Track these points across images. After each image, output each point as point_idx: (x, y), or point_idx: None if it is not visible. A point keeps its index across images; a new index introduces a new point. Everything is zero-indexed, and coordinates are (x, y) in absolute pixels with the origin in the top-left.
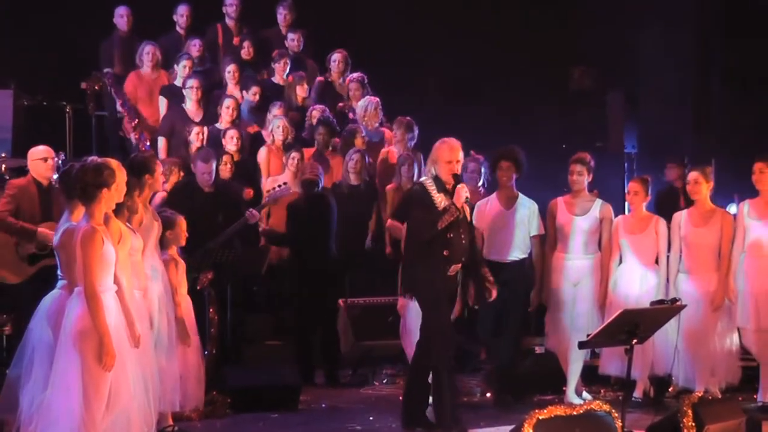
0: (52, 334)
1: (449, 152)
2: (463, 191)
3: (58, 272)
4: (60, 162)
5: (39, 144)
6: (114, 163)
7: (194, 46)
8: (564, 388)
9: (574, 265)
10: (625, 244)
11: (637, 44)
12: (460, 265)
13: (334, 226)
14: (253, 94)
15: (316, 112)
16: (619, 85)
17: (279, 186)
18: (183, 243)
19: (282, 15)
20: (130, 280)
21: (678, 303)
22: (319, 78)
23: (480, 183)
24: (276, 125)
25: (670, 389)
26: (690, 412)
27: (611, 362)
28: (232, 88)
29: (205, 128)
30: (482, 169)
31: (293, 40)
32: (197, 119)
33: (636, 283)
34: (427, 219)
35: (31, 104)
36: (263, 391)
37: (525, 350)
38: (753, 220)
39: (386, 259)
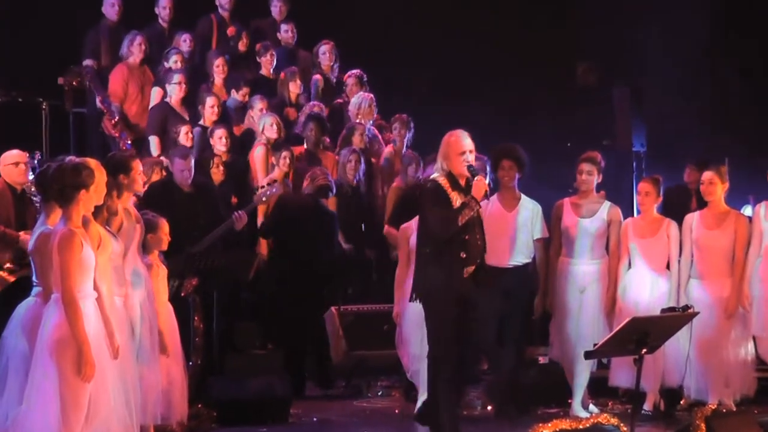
0: (27, 344)
1: (461, 143)
2: (482, 184)
3: (33, 279)
4: (36, 162)
5: (12, 144)
6: (93, 162)
7: (184, 41)
8: (569, 401)
9: (580, 271)
10: (634, 249)
11: (643, 35)
12: (473, 267)
13: (337, 230)
14: (242, 95)
15: (316, 108)
16: (624, 80)
17: (269, 185)
18: (165, 247)
19: (276, 7)
20: (110, 287)
21: (690, 310)
22: (317, 76)
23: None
24: (268, 123)
25: (681, 402)
26: (703, 425)
27: (619, 373)
28: (218, 84)
29: (196, 128)
30: (488, 169)
31: (286, 32)
32: (186, 117)
33: (646, 290)
34: (446, 216)
35: (4, 101)
36: (251, 404)
37: (528, 360)
38: None
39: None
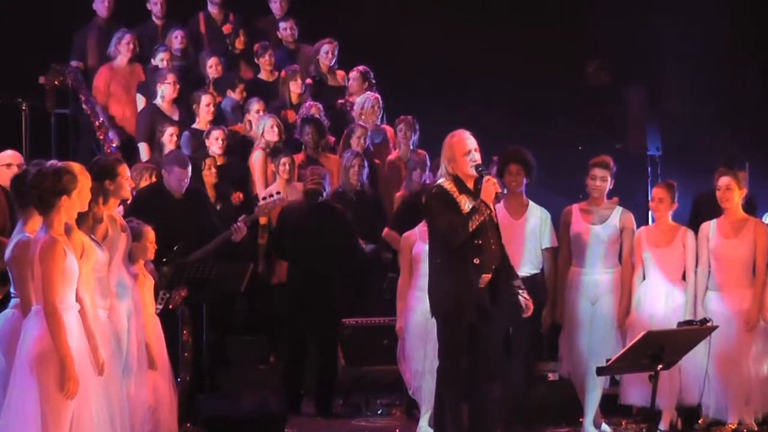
0: (4, 359)
1: (464, 142)
2: (491, 185)
3: (11, 289)
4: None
5: None
6: (76, 167)
7: (176, 38)
8: (580, 420)
9: (592, 281)
10: (648, 258)
11: (658, 30)
12: (489, 276)
13: (350, 236)
14: (238, 92)
15: (313, 109)
16: (639, 79)
17: (271, 196)
18: (151, 256)
19: (276, 3)
20: (93, 299)
21: (708, 324)
22: (308, 80)
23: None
24: (268, 125)
25: (699, 421)
26: None
27: (634, 390)
28: (212, 84)
29: (185, 131)
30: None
31: (286, 29)
32: (174, 118)
33: (661, 302)
34: (455, 223)
35: None
36: (243, 422)
37: (536, 377)
38: None
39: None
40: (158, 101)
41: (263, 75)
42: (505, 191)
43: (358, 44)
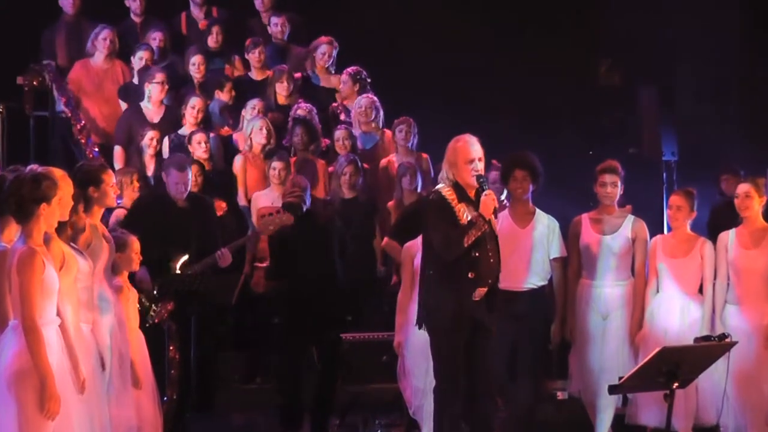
0: None
1: (468, 149)
2: (490, 200)
3: None
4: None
5: None
6: (58, 172)
7: (154, 40)
8: None
9: (603, 294)
10: (663, 269)
11: (674, 29)
12: (486, 289)
13: (336, 248)
14: (227, 92)
15: (301, 110)
16: (652, 80)
17: (270, 214)
18: (135, 268)
19: None
20: (76, 312)
21: (727, 339)
22: (297, 75)
23: (504, 195)
24: (257, 127)
25: None
26: None
27: (648, 410)
28: (197, 84)
29: (167, 134)
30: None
31: (276, 26)
32: (155, 121)
33: (676, 316)
34: (451, 235)
35: None
36: None
37: (545, 396)
38: None
39: (380, 288)
40: (144, 102)
41: (253, 73)
42: (506, 203)
43: (358, 43)
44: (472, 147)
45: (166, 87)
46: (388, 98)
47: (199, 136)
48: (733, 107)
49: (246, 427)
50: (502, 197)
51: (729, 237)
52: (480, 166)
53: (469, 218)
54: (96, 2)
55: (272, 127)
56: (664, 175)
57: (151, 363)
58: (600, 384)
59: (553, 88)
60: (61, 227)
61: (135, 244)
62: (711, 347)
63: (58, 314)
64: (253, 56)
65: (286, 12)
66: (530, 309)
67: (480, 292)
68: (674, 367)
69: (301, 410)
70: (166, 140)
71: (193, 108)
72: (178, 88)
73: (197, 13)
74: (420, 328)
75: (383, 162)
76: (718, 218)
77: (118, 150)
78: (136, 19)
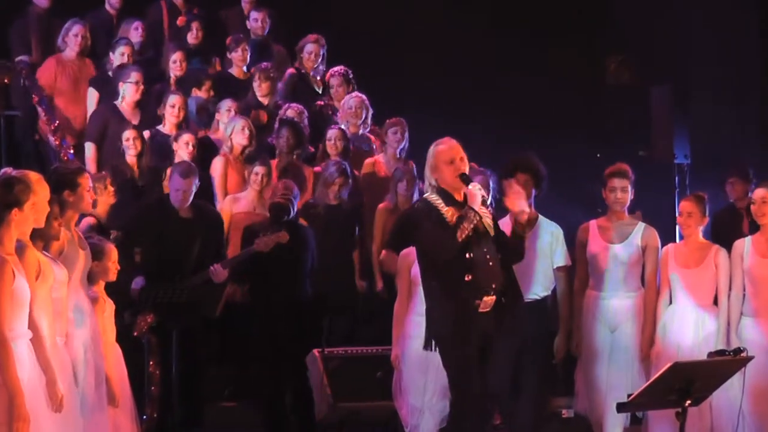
0: None
1: (448, 151)
2: (477, 191)
3: None
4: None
5: None
6: (33, 176)
7: (135, 30)
8: None
9: (611, 306)
10: (676, 280)
11: (687, 23)
12: (493, 298)
13: (310, 262)
14: (205, 90)
15: (291, 111)
16: (665, 79)
17: (267, 233)
18: (112, 278)
19: None
20: (53, 325)
21: (743, 354)
22: (290, 69)
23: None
24: (238, 127)
25: None
26: None
27: (659, 429)
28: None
29: (145, 132)
30: (491, 184)
31: (256, 21)
32: (135, 121)
33: (690, 329)
34: (442, 235)
35: None
36: None
37: (549, 414)
38: None
39: (373, 299)
40: (118, 101)
41: (235, 71)
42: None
43: (344, 39)
44: (452, 148)
45: (141, 87)
46: (378, 100)
47: (187, 137)
48: (749, 107)
49: None
50: (487, 202)
51: (745, 245)
52: (463, 166)
53: (458, 216)
54: None
55: (254, 128)
56: (676, 179)
57: (129, 379)
58: (608, 401)
59: (561, 87)
60: (34, 234)
61: (113, 252)
62: (726, 362)
63: (32, 327)
64: (237, 55)
65: (266, 7)
66: (533, 321)
67: (487, 302)
68: (687, 384)
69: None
70: (146, 134)
71: (173, 107)
72: (153, 84)
73: (179, 3)
74: (426, 347)
75: (367, 164)
76: (720, 225)
77: (91, 148)
78: (112, 12)
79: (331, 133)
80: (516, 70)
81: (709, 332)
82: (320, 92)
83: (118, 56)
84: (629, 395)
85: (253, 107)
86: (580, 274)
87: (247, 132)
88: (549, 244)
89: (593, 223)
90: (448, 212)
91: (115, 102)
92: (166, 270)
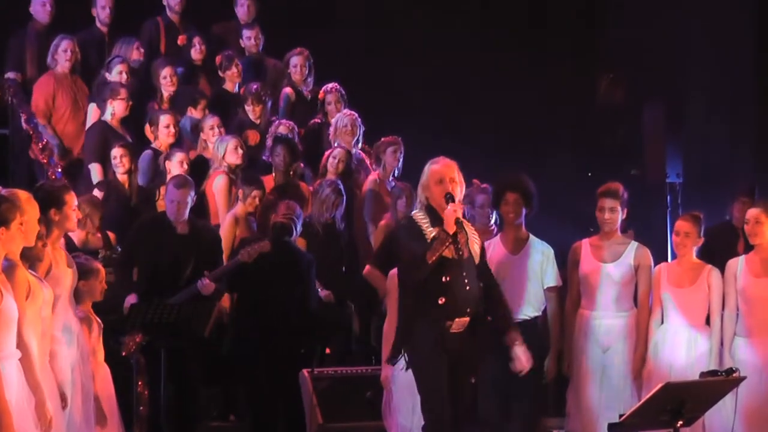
0: None
1: (440, 170)
2: (451, 212)
3: None
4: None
5: None
6: (23, 195)
7: (137, 50)
8: None
9: (603, 326)
10: (668, 299)
11: (681, 40)
12: (467, 319)
13: (313, 283)
14: (200, 109)
15: (283, 128)
16: (657, 97)
17: (253, 243)
18: (99, 297)
19: (244, 6)
20: (43, 345)
21: (735, 374)
22: (286, 89)
23: (492, 220)
24: (231, 147)
25: None
26: None
27: None
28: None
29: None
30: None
31: (249, 38)
32: (129, 138)
33: (682, 349)
34: (415, 255)
35: None
36: None
37: None
38: None
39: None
40: (107, 117)
41: (228, 87)
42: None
43: (334, 56)
44: (445, 168)
45: (130, 104)
46: (369, 117)
47: (181, 156)
48: (743, 126)
49: None
50: (492, 220)
51: (738, 264)
52: (453, 187)
53: (432, 236)
54: (73, 10)
55: (245, 147)
56: (669, 198)
57: (117, 399)
58: (600, 422)
59: (551, 104)
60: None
61: (101, 273)
62: (718, 382)
63: (22, 347)
64: (230, 73)
65: (257, 24)
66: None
67: (459, 323)
68: (679, 404)
69: None
70: (148, 153)
71: (167, 128)
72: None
73: (176, 20)
74: (389, 363)
75: (367, 183)
76: (713, 241)
77: (96, 167)
78: (103, 29)
79: (337, 152)
80: (507, 89)
81: (702, 352)
82: (312, 108)
83: (116, 75)
84: (621, 415)
85: (246, 126)
86: (572, 293)
87: (240, 151)
88: (540, 264)
89: (585, 242)
90: (431, 233)
91: (104, 118)
92: (158, 287)
